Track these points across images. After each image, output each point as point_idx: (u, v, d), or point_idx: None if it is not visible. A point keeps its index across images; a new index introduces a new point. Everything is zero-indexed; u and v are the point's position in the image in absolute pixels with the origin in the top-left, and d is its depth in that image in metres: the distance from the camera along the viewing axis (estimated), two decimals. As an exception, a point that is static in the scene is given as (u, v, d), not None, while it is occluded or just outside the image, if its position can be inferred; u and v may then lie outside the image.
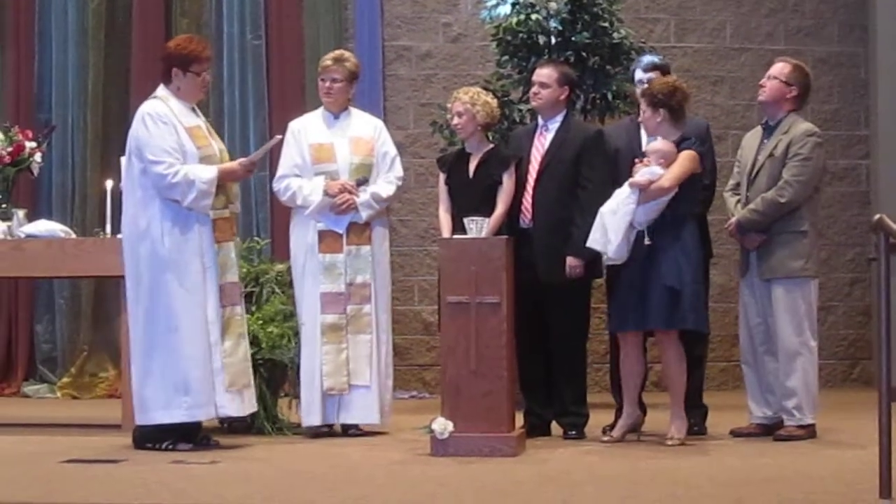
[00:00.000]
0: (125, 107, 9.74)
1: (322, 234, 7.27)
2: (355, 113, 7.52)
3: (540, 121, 7.34)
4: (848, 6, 10.44)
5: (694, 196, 6.85)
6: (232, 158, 7.06)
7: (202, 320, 6.63)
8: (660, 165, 6.74)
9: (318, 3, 10.23)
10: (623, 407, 6.94)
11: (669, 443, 6.71)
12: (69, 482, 5.68)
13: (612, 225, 6.69)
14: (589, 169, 7.11)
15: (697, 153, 6.79)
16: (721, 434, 7.15)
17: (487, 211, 6.88)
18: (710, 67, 10.37)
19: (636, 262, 6.74)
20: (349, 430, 7.26)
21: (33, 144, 8.17)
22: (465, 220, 6.69)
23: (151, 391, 6.62)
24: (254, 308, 7.40)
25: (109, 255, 7.28)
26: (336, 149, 7.34)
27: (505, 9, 8.96)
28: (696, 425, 7.14)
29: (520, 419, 6.94)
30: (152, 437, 6.63)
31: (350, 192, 7.21)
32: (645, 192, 6.69)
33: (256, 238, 8.22)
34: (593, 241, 6.77)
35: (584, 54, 8.84)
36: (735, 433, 7.13)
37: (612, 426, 7.01)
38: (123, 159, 6.84)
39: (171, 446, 6.58)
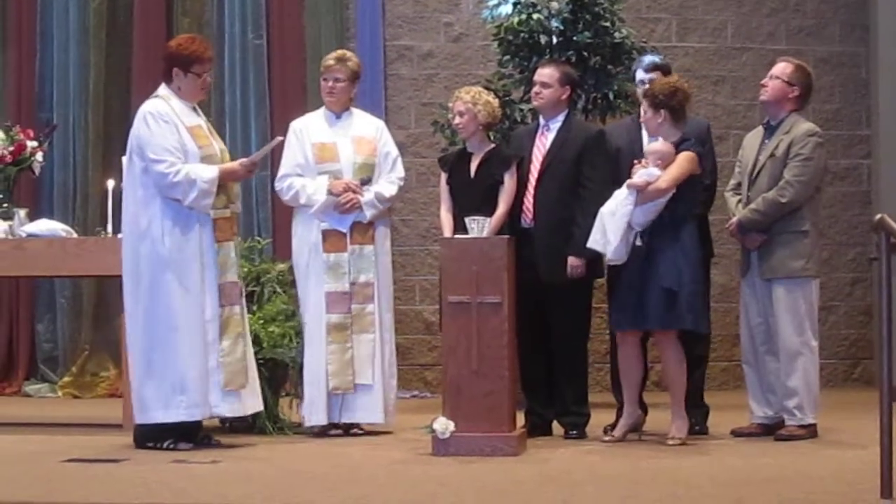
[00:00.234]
0: (126, 106, 9.74)
1: (326, 234, 7.27)
2: (357, 113, 7.53)
3: (541, 120, 7.34)
4: (849, 6, 10.43)
5: (693, 197, 6.84)
6: (233, 158, 7.06)
7: (201, 320, 6.63)
8: (658, 166, 6.73)
9: (319, 3, 10.22)
10: (624, 406, 6.95)
11: (670, 442, 6.71)
12: (70, 481, 5.67)
13: (611, 226, 6.69)
14: (590, 169, 7.11)
15: (696, 154, 6.78)
16: (722, 434, 7.15)
17: (489, 211, 6.88)
18: (712, 67, 10.37)
19: (635, 263, 6.74)
20: (351, 430, 7.26)
21: (35, 144, 8.17)
22: (467, 220, 6.69)
23: (151, 390, 6.62)
24: (255, 308, 7.40)
25: (111, 254, 7.27)
26: (339, 148, 7.34)
27: (506, 8, 8.95)
28: (698, 425, 7.14)
29: (521, 419, 6.94)
30: (153, 437, 6.63)
31: (354, 192, 7.22)
32: (642, 194, 6.69)
33: (258, 237, 8.21)
34: (593, 242, 6.77)
35: (585, 54, 8.85)
36: (736, 433, 7.13)
37: (613, 426, 7.01)
38: (125, 158, 6.84)
39: (171, 446, 6.58)
